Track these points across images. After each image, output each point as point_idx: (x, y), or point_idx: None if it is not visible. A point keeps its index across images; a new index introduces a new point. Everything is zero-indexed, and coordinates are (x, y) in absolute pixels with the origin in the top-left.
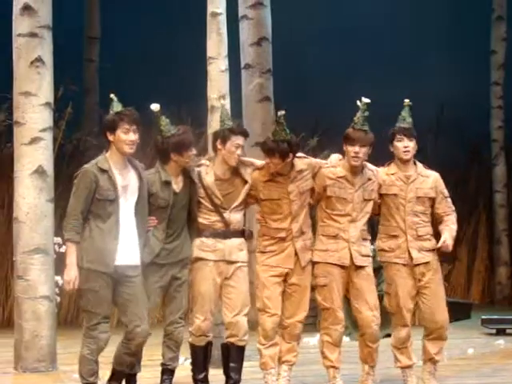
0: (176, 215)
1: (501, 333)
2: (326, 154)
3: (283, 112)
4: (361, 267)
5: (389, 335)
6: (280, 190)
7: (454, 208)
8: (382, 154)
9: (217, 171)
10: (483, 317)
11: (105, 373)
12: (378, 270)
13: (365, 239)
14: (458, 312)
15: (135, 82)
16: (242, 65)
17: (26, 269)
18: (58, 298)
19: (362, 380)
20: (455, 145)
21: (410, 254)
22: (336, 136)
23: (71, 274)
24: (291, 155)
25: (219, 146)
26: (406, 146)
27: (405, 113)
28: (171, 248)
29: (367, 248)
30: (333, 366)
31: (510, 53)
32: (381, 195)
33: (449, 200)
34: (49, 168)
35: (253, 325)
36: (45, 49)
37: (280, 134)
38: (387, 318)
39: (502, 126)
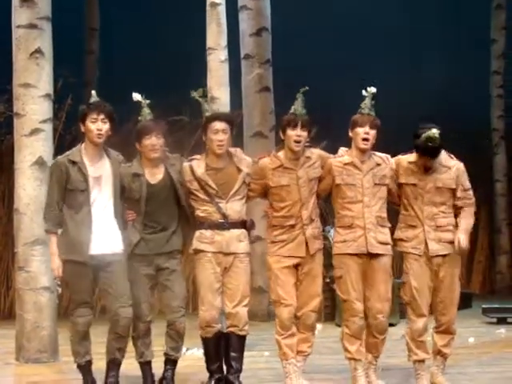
0: (155, 208)
1: (501, 322)
2: (325, 144)
3: (306, 88)
4: (377, 255)
5: (391, 324)
6: (289, 176)
7: (473, 200)
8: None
9: (208, 162)
10: (484, 306)
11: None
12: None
13: (383, 226)
14: (459, 302)
15: (135, 73)
16: (242, 55)
17: (27, 260)
18: (59, 289)
19: (364, 368)
20: (455, 134)
21: (426, 244)
22: (335, 127)
23: (55, 262)
24: (310, 132)
25: (204, 137)
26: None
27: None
28: (152, 239)
29: (386, 235)
30: (353, 358)
31: (510, 42)
32: (400, 184)
33: (469, 192)
34: (49, 159)
35: (251, 315)
36: (44, 40)
37: (301, 110)
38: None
39: (502, 115)
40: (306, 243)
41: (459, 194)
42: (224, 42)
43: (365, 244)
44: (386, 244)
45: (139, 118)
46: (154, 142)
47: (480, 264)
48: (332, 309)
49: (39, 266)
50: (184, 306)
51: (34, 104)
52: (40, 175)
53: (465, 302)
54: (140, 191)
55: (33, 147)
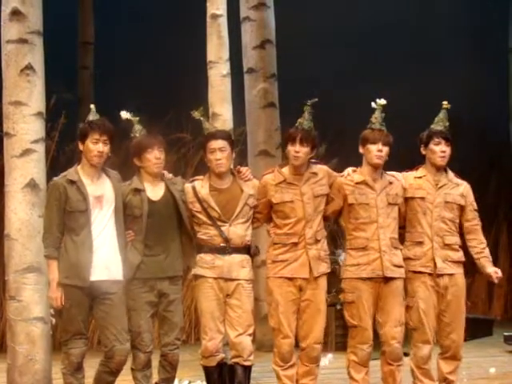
0: (156, 226)
1: None
2: (335, 162)
3: (316, 99)
4: (391, 279)
5: (406, 354)
6: (293, 192)
7: (480, 222)
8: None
9: (212, 182)
10: (506, 333)
11: None
12: None
13: (396, 248)
14: (479, 329)
15: (133, 89)
16: (245, 69)
17: (19, 288)
18: (53, 320)
19: None
20: (473, 149)
21: (434, 262)
22: (345, 143)
23: (55, 290)
24: (314, 148)
25: (205, 158)
26: (443, 150)
27: (442, 115)
28: (154, 261)
29: (400, 258)
30: None
31: None
32: (406, 199)
33: (477, 214)
34: (41, 181)
35: (259, 346)
36: (35, 55)
37: (307, 124)
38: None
39: None
40: (310, 264)
41: (470, 214)
42: (226, 55)
43: (381, 267)
44: (401, 267)
45: (131, 135)
46: (157, 155)
47: (501, 289)
48: (344, 337)
49: (32, 295)
50: (180, 338)
51: (25, 123)
52: (32, 198)
53: (485, 329)
54: (141, 207)
55: (24, 169)
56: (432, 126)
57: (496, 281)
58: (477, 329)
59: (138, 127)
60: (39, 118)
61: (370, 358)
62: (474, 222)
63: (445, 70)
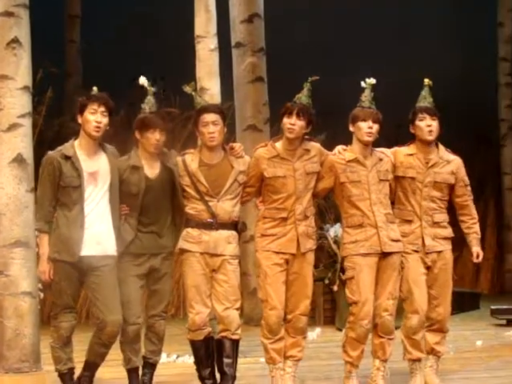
0: (151, 203)
1: (511, 324)
2: (323, 137)
3: (317, 77)
4: (389, 254)
5: (397, 327)
6: (286, 167)
7: (472, 197)
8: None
9: (202, 157)
10: (492, 307)
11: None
12: None
13: (392, 222)
14: (466, 303)
15: (120, 63)
16: (233, 43)
17: (7, 263)
18: (42, 294)
19: (372, 376)
20: (460, 125)
21: (423, 240)
22: (334, 118)
23: (45, 264)
24: (310, 123)
25: (196, 132)
26: (429, 124)
27: (425, 92)
28: (148, 237)
29: (396, 232)
30: (351, 363)
31: None
32: (397, 177)
33: (468, 188)
34: (29, 156)
35: (247, 320)
36: (22, 29)
37: (305, 100)
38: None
39: (510, 105)
40: (298, 240)
41: (460, 190)
42: (213, 29)
43: (378, 243)
44: (398, 241)
45: (142, 105)
46: (157, 137)
47: (488, 262)
48: (332, 312)
49: (19, 270)
50: (166, 311)
51: (12, 97)
52: (19, 173)
53: (472, 302)
54: (139, 185)
55: (11, 143)
56: (416, 105)
57: (475, 260)
58: (464, 302)
59: (150, 100)
60: (26, 92)
61: (367, 336)
62: (464, 197)
63: (432, 44)
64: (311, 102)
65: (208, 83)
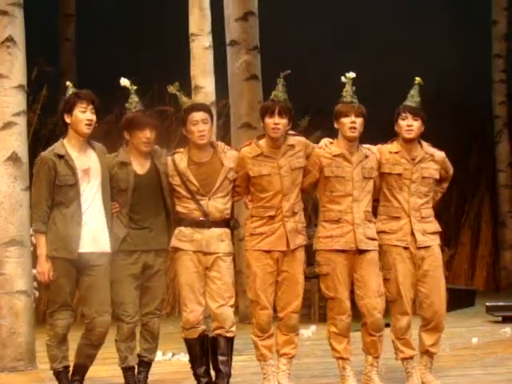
0: (141, 199)
1: (507, 320)
2: (318, 135)
3: (288, 71)
4: (365, 251)
5: (387, 325)
6: (270, 165)
7: (444, 189)
8: (373, 131)
9: (191, 156)
10: (488, 304)
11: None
12: None
13: (369, 221)
14: (462, 299)
15: (114, 62)
16: (228, 41)
17: (2, 262)
18: (37, 293)
19: (366, 372)
20: (455, 122)
21: (414, 236)
22: (329, 116)
23: (44, 265)
24: (291, 119)
25: (184, 131)
26: (409, 124)
27: (414, 91)
28: (139, 234)
29: (373, 230)
30: (341, 357)
31: None
32: (382, 174)
33: (450, 173)
34: (23, 155)
35: (242, 317)
36: (16, 27)
37: (282, 96)
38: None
39: (504, 101)
40: (287, 237)
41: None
42: (208, 27)
43: (353, 240)
44: (374, 239)
45: (127, 105)
46: (147, 135)
47: (483, 259)
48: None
49: (15, 268)
50: (161, 309)
51: (7, 96)
52: (14, 172)
53: (467, 299)
54: (127, 181)
55: (6, 142)
56: (403, 103)
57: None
58: (459, 299)
59: (134, 99)
60: (20, 91)
61: (349, 329)
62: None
63: (426, 41)
64: (287, 97)
65: (203, 81)
